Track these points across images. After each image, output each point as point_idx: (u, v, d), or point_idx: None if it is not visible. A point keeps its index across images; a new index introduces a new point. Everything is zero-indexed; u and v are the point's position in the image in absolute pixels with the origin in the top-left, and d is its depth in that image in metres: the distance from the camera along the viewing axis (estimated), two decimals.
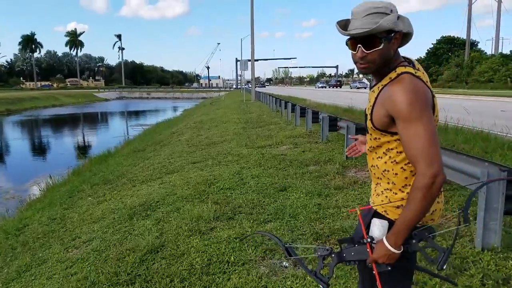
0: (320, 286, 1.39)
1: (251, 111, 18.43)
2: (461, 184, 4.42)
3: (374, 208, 1.44)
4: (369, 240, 1.35)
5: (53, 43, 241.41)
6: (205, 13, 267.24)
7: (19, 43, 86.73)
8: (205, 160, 7.25)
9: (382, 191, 1.43)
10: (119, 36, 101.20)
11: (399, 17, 1.33)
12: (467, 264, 2.69)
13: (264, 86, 75.03)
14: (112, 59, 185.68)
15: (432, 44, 52.97)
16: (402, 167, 1.36)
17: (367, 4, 1.32)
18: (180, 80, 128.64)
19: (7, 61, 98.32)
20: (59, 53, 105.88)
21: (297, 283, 2.72)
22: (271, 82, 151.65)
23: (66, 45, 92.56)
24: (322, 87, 71.65)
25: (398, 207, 1.38)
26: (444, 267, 1.26)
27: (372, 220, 1.39)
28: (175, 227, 3.95)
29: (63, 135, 25.62)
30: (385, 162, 1.39)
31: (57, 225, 5.38)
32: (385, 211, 1.41)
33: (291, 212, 4.00)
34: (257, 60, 46.01)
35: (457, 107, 13.20)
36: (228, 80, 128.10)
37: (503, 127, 7.78)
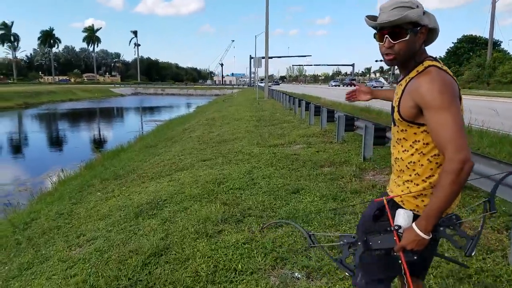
0: (346, 273, 1.42)
1: (263, 108, 18.19)
2: (487, 190, 4.16)
3: (391, 197, 1.48)
4: (396, 227, 1.35)
5: (71, 38, 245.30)
6: (220, 10, 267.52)
7: (38, 38, 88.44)
8: (215, 158, 7.05)
9: (403, 182, 1.46)
10: (135, 33, 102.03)
11: (425, 12, 1.39)
12: (501, 284, 2.42)
13: (278, 84, 74.27)
14: (128, 55, 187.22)
15: (453, 43, 51.76)
16: (428, 159, 1.39)
17: (395, 0, 1.39)
18: (194, 77, 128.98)
19: (26, 56, 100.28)
20: (77, 49, 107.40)
21: None
22: (285, 80, 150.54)
23: (83, 40, 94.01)
24: (335, 85, 70.72)
25: (416, 197, 1.42)
26: (473, 253, 1.26)
27: (397, 210, 1.40)
28: (181, 228, 3.76)
29: (78, 129, 25.87)
30: (412, 154, 1.42)
31: (64, 221, 5.27)
32: (401, 201, 1.44)
33: (304, 217, 3.76)
34: (271, 57, 45.70)
35: (481, 108, 12.71)
36: (242, 77, 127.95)
37: None
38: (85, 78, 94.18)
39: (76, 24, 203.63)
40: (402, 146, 1.46)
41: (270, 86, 53.83)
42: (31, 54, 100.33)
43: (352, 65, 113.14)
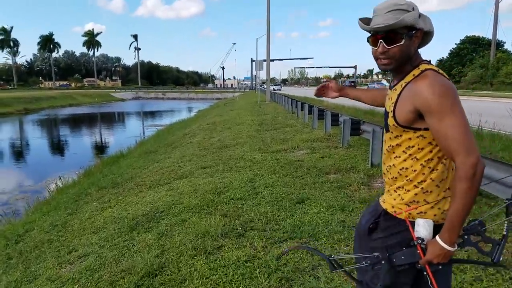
0: None
1: (265, 112, 17.94)
2: (501, 197, 3.92)
3: (384, 207, 1.44)
4: (419, 241, 1.31)
5: (71, 43, 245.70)
6: (221, 13, 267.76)
7: (38, 43, 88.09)
8: (216, 165, 6.79)
9: (395, 190, 1.42)
10: (135, 36, 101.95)
11: (420, 15, 1.35)
12: None
13: (280, 88, 73.23)
14: (129, 59, 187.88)
15: (456, 44, 51.39)
16: (422, 164, 1.35)
17: (390, 2, 1.33)
18: (195, 80, 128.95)
19: (27, 61, 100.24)
20: (77, 53, 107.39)
21: None
22: (287, 82, 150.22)
23: (83, 45, 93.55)
24: None
25: (408, 204, 1.38)
26: (501, 259, 1.23)
27: (417, 220, 1.35)
28: (178, 244, 3.50)
29: (78, 134, 25.67)
30: (404, 160, 1.38)
31: (57, 233, 5.03)
32: (395, 211, 1.40)
33: (310, 231, 3.50)
34: (272, 60, 45.47)
35: (489, 109, 12.43)
36: (243, 80, 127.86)
37: None
38: (86, 83, 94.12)
39: (76, 28, 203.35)
40: (394, 152, 1.42)
41: (273, 90, 53.55)
42: (31, 59, 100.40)
43: (354, 67, 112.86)
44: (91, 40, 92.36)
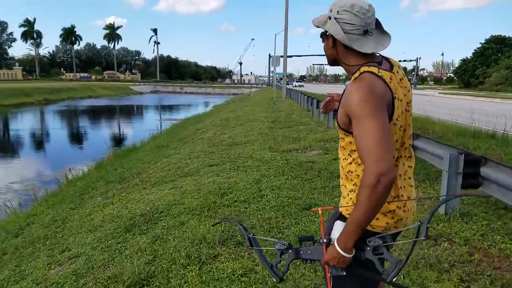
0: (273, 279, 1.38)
1: (280, 109, 17.60)
2: None
3: (340, 210, 1.44)
4: (325, 241, 1.32)
5: (93, 36, 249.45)
6: (240, 8, 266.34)
7: (60, 35, 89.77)
8: (223, 163, 6.53)
9: (347, 193, 1.41)
10: (155, 31, 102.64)
11: (330, 18, 1.35)
12: None
13: (302, 85, 70.83)
14: (148, 53, 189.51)
15: (480, 43, 49.86)
16: (363, 169, 1.27)
17: None
18: (213, 75, 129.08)
19: (49, 53, 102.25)
20: (98, 46, 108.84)
21: None
22: (305, 79, 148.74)
23: (104, 38, 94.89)
24: None
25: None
26: (394, 279, 1.20)
27: (335, 222, 1.36)
28: (172, 250, 3.25)
29: (95, 126, 25.91)
30: (350, 163, 1.38)
31: (55, 229, 4.89)
32: (349, 214, 1.37)
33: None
34: (290, 56, 44.89)
35: None
36: (261, 76, 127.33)
37: None
38: (106, 76, 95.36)
39: (97, 21, 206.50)
40: (343, 154, 1.43)
41: (295, 87, 52.66)
42: (53, 51, 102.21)
43: None
44: (112, 33, 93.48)
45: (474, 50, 50.41)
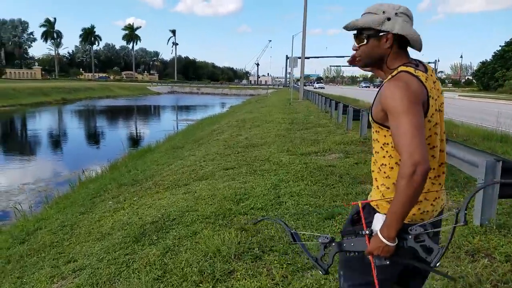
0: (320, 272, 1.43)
1: (297, 110, 17.23)
2: None
3: (372, 202, 1.47)
4: (367, 232, 1.35)
5: (112, 36, 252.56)
6: (258, 10, 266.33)
7: (80, 36, 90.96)
8: (239, 166, 6.24)
9: (378, 186, 1.45)
10: (173, 32, 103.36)
11: (391, 19, 1.38)
12: None
13: (323, 86, 68.71)
14: (166, 54, 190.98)
15: (500, 46, 48.39)
16: (397, 162, 1.37)
17: (369, 6, 1.44)
18: (230, 76, 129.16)
19: (68, 52, 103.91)
20: (117, 47, 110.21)
21: None
22: (322, 81, 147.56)
23: (123, 38, 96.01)
24: (365, 87, 68.94)
25: (389, 202, 1.38)
26: (438, 264, 1.23)
27: (375, 215, 1.39)
28: (184, 264, 2.96)
29: (112, 126, 26.01)
30: (383, 157, 1.42)
31: (63, 236, 4.68)
32: (376, 205, 1.42)
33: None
34: (307, 57, 44.33)
35: None
36: (277, 77, 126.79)
37: None
38: (124, 76, 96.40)
39: (117, 22, 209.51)
40: (374, 148, 1.47)
41: (315, 88, 51.93)
42: (73, 51, 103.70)
43: None
44: (131, 34, 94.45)
45: (494, 52, 49.08)
